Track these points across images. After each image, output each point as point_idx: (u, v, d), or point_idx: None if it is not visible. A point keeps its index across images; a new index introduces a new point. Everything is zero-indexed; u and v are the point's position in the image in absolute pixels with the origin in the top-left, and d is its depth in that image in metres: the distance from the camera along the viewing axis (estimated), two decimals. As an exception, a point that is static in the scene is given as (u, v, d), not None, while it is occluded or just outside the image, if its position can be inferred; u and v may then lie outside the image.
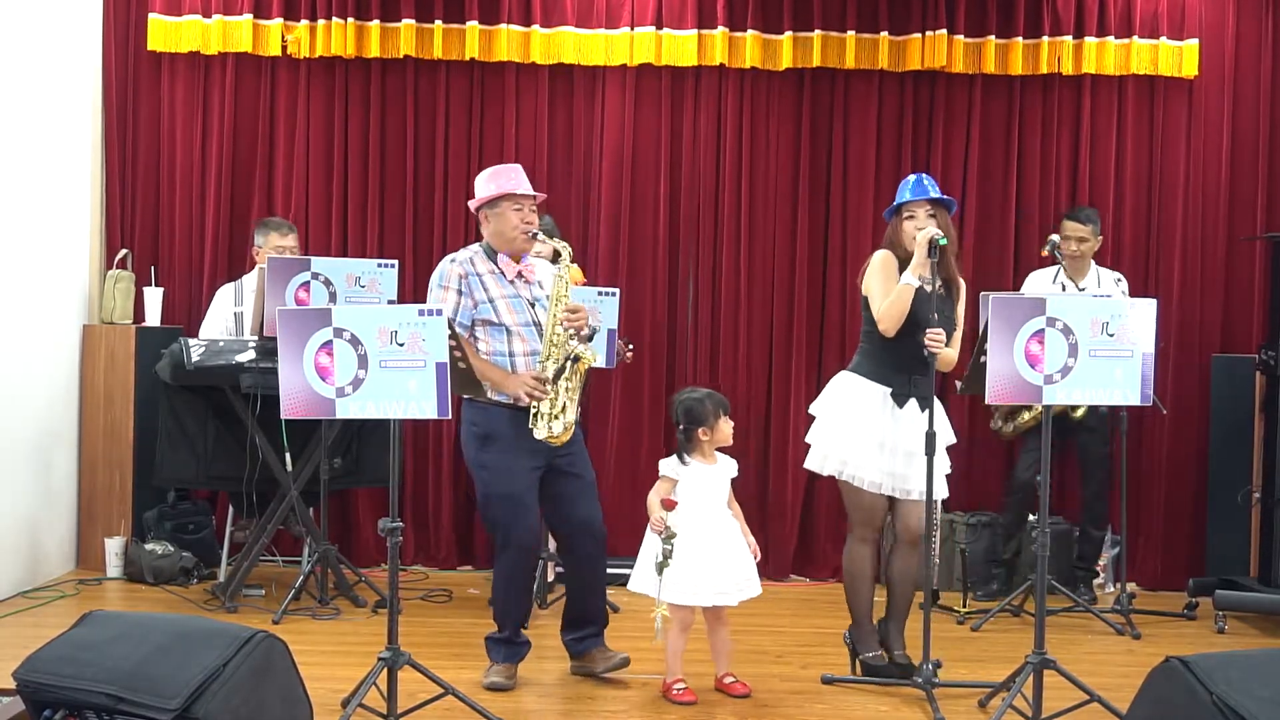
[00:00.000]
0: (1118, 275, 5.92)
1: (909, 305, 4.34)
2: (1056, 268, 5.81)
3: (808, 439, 4.62)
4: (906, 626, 4.64)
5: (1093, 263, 5.87)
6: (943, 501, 4.58)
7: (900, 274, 4.41)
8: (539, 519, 4.56)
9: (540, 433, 4.28)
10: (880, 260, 4.50)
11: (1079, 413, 5.66)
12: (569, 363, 4.30)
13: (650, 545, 4.35)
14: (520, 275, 4.45)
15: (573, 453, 4.46)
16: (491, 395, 4.35)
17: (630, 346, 5.67)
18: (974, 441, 6.11)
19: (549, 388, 4.28)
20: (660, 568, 4.22)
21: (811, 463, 4.59)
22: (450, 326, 3.80)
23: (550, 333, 4.35)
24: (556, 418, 4.30)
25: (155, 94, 6.41)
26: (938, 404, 4.43)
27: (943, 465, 4.49)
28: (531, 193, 4.46)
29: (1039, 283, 5.85)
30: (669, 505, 4.30)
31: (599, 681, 4.50)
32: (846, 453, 4.47)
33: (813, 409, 4.65)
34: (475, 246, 4.54)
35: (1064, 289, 5.73)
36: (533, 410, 4.30)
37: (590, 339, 4.35)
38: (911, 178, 4.55)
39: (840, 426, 4.50)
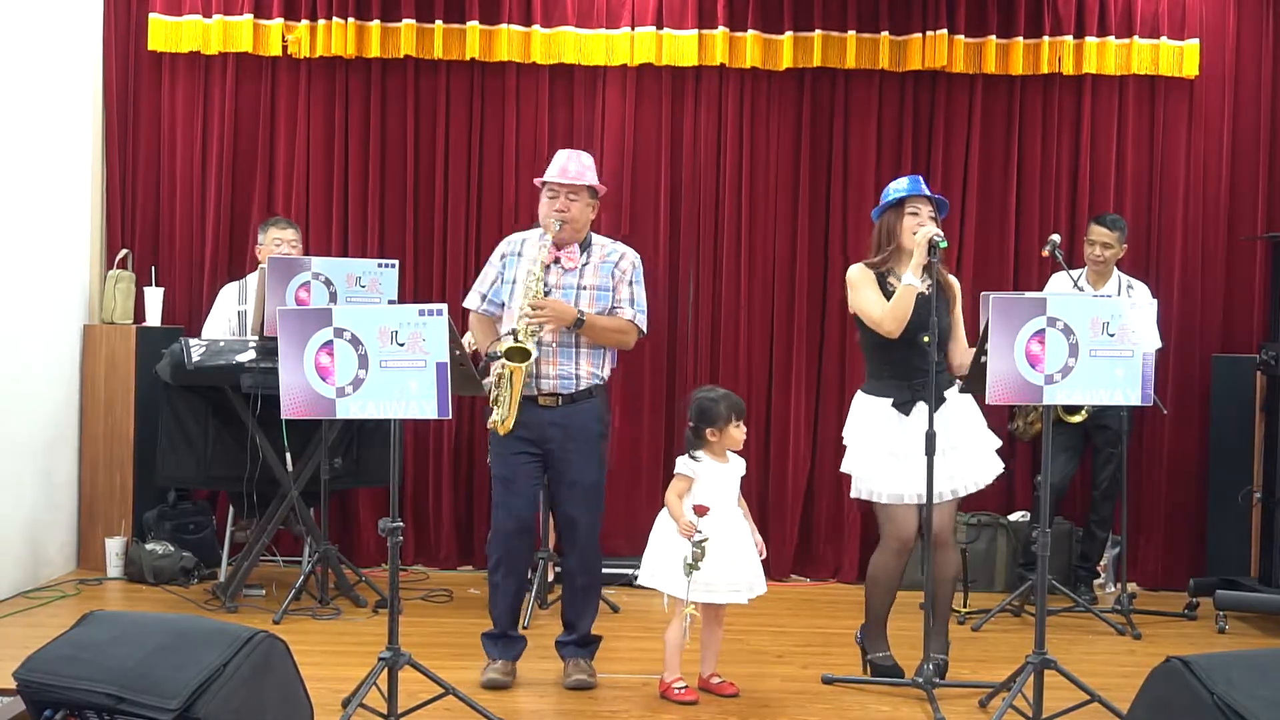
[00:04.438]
0: (1130, 283, 5.87)
1: (912, 304, 4.34)
2: (1079, 272, 5.79)
3: (843, 468, 4.63)
4: (905, 626, 4.64)
5: (1116, 269, 5.86)
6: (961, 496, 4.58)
7: (878, 282, 4.46)
8: (535, 509, 4.55)
9: (489, 421, 4.34)
10: (860, 274, 4.52)
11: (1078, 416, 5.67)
12: (488, 358, 4.28)
13: (662, 541, 4.35)
14: (557, 261, 4.42)
15: (569, 451, 4.41)
16: None
17: None
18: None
19: (486, 379, 4.28)
20: (690, 569, 4.20)
21: (853, 491, 4.59)
22: (449, 325, 3.79)
23: (514, 323, 4.32)
24: (495, 409, 4.31)
25: (155, 94, 6.41)
26: (962, 395, 4.43)
27: (991, 441, 4.51)
28: (565, 182, 4.43)
29: (1059, 287, 5.82)
30: (702, 511, 4.27)
31: (589, 684, 4.46)
32: (864, 472, 4.49)
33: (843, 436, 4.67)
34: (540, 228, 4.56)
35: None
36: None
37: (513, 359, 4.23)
38: (905, 178, 4.56)
39: (857, 447, 4.53)
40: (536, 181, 4.56)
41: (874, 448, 4.46)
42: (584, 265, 4.45)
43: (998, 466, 4.55)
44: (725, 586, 4.30)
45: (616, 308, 4.47)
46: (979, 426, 4.50)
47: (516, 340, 4.22)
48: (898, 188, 4.51)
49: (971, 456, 4.45)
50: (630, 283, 4.50)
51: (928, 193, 4.49)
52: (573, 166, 4.47)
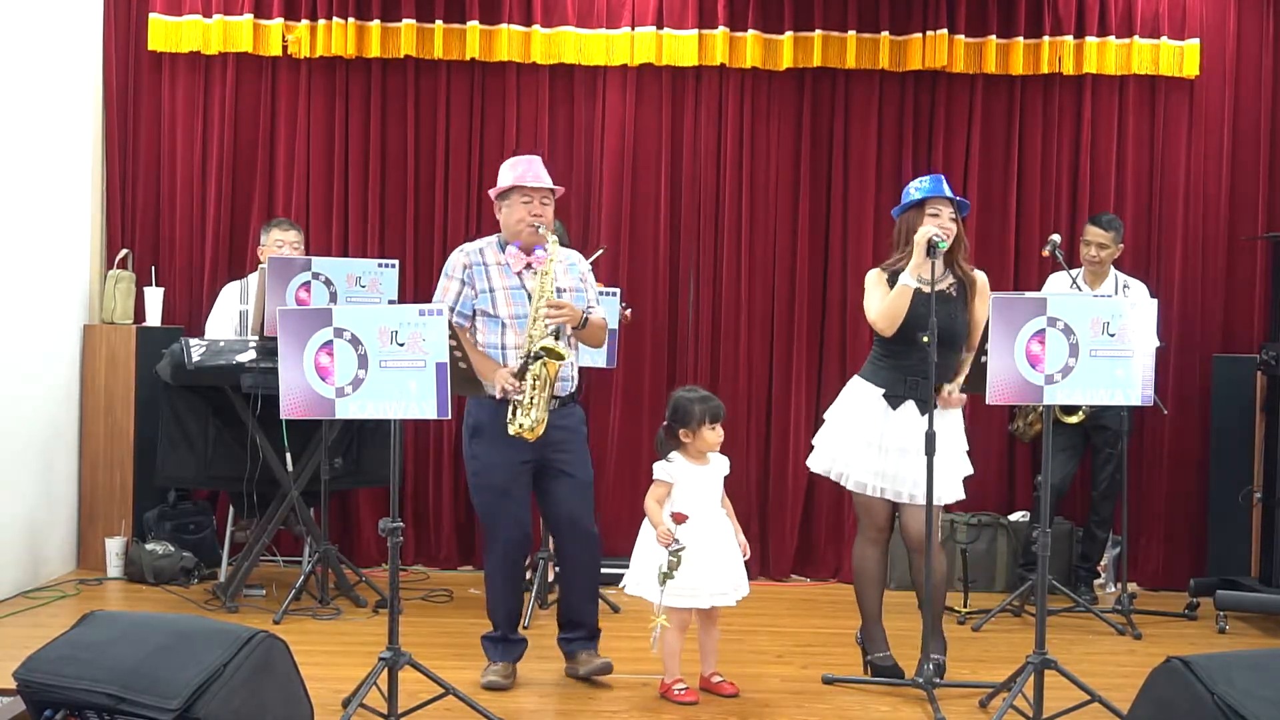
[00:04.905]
0: (1126, 283, 5.87)
1: (907, 304, 4.35)
2: (1077, 272, 5.80)
3: (814, 439, 4.64)
4: (904, 626, 4.64)
5: (1113, 269, 5.86)
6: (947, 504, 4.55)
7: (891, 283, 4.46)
8: (531, 515, 4.56)
9: (511, 427, 4.26)
10: (872, 278, 4.55)
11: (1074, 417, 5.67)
12: (529, 360, 4.26)
13: (646, 548, 4.35)
14: (529, 267, 4.43)
15: (567, 450, 4.43)
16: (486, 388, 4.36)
17: (629, 308, 5.77)
18: (974, 442, 6.10)
19: (521, 383, 4.26)
20: (664, 578, 4.20)
21: (810, 461, 4.62)
22: (450, 325, 3.79)
23: (530, 327, 4.32)
24: (527, 413, 4.25)
25: (155, 94, 6.41)
26: (951, 411, 4.43)
27: (961, 468, 4.50)
28: (542, 186, 4.45)
29: (1056, 287, 5.82)
30: (680, 519, 4.26)
31: (598, 682, 4.49)
32: (836, 452, 4.51)
33: (825, 413, 4.68)
34: (491, 237, 4.56)
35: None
36: (511, 404, 4.29)
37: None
38: (928, 178, 4.56)
39: (835, 427, 4.55)
40: (492, 192, 4.54)
41: (854, 434, 4.47)
42: (554, 268, 4.46)
43: (957, 492, 4.50)
44: (709, 591, 4.30)
45: (591, 307, 4.52)
46: (956, 446, 4.48)
47: (556, 339, 4.24)
48: (920, 187, 4.51)
49: (948, 466, 4.41)
50: (590, 285, 4.60)
51: (949, 193, 4.49)
52: (533, 170, 4.48)
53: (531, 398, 4.24)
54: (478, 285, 4.43)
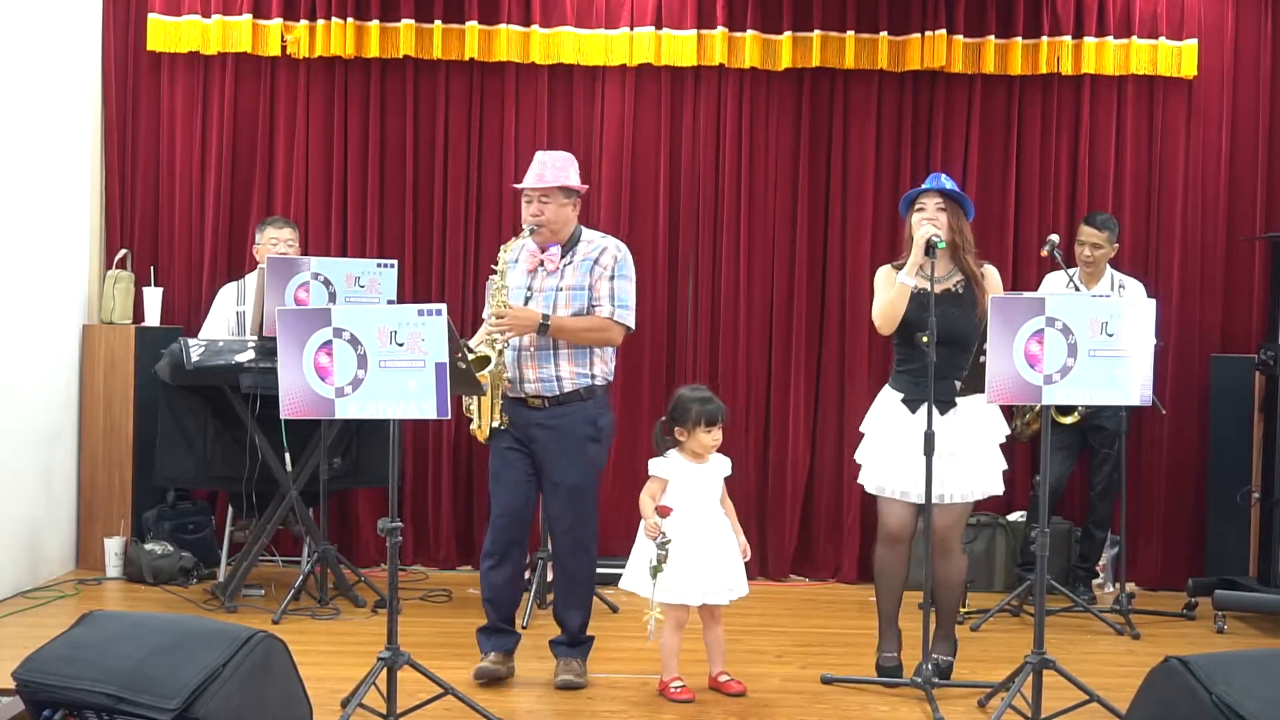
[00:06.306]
0: (1123, 282, 5.87)
1: (904, 305, 4.36)
2: (1073, 271, 5.80)
3: (856, 456, 4.64)
4: (906, 627, 4.65)
5: (1109, 268, 5.87)
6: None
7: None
8: (532, 510, 4.56)
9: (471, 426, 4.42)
10: (880, 275, 4.56)
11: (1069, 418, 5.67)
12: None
13: (643, 545, 4.36)
14: (542, 265, 4.43)
15: (551, 452, 4.40)
16: None
17: None
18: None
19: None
20: (654, 572, 4.22)
21: (861, 479, 4.59)
22: (451, 326, 3.79)
23: (482, 333, 4.38)
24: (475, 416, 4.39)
25: (155, 94, 6.41)
26: (985, 405, 4.41)
27: (997, 461, 4.48)
28: (535, 186, 4.42)
29: (1053, 287, 5.83)
30: (664, 512, 4.28)
31: (596, 681, 4.49)
32: (872, 465, 4.51)
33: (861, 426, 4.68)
34: None
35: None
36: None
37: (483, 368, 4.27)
38: (930, 178, 4.58)
39: (870, 441, 4.55)
40: (517, 187, 4.56)
41: (877, 439, 4.50)
42: (566, 266, 4.45)
43: (993, 486, 4.49)
44: (700, 589, 4.31)
45: (595, 305, 4.41)
46: (986, 440, 4.46)
47: (473, 351, 4.25)
48: (917, 187, 4.56)
49: (968, 467, 4.41)
50: (611, 278, 4.42)
51: (937, 186, 4.48)
52: (537, 169, 4.47)
53: (469, 405, 4.36)
54: (501, 281, 4.44)
